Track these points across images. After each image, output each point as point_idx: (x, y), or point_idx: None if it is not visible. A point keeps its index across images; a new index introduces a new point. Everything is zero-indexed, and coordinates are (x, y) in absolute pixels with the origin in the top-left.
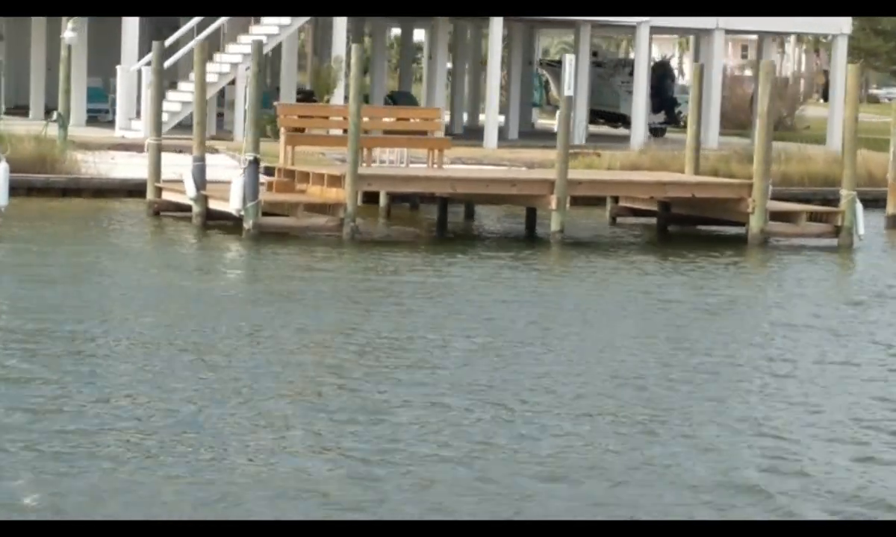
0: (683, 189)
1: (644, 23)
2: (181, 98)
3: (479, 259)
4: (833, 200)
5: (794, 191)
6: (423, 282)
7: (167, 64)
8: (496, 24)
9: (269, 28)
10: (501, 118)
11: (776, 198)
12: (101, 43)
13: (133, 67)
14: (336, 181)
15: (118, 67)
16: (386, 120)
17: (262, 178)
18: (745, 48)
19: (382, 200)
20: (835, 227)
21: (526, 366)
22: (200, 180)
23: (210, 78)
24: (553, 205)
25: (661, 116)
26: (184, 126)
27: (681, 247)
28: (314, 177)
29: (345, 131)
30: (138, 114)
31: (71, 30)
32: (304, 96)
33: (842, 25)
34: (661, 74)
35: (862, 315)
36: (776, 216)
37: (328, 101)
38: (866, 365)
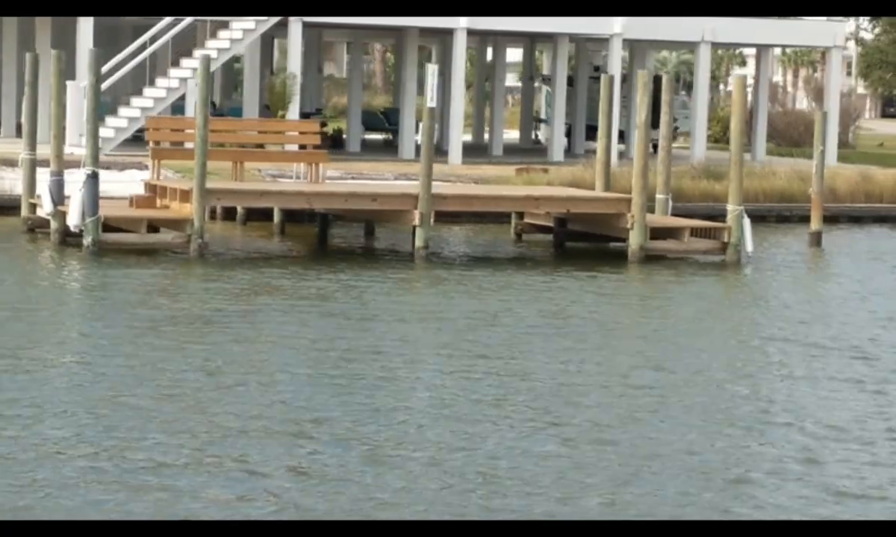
0: (556, 204)
1: (617, 36)
2: (130, 114)
3: (324, 275)
4: (788, 217)
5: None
6: (237, 296)
7: (109, 82)
8: (460, 38)
9: (222, 42)
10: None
11: (679, 213)
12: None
13: (83, 84)
14: (187, 196)
15: (68, 83)
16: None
17: (129, 193)
18: (849, 65)
19: (276, 217)
20: (722, 244)
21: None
22: (58, 196)
23: (159, 93)
24: (416, 220)
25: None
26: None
27: (557, 264)
28: (170, 192)
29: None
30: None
31: None
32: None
33: (836, 37)
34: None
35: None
36: (665, 232)
37: (283, 116)
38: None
